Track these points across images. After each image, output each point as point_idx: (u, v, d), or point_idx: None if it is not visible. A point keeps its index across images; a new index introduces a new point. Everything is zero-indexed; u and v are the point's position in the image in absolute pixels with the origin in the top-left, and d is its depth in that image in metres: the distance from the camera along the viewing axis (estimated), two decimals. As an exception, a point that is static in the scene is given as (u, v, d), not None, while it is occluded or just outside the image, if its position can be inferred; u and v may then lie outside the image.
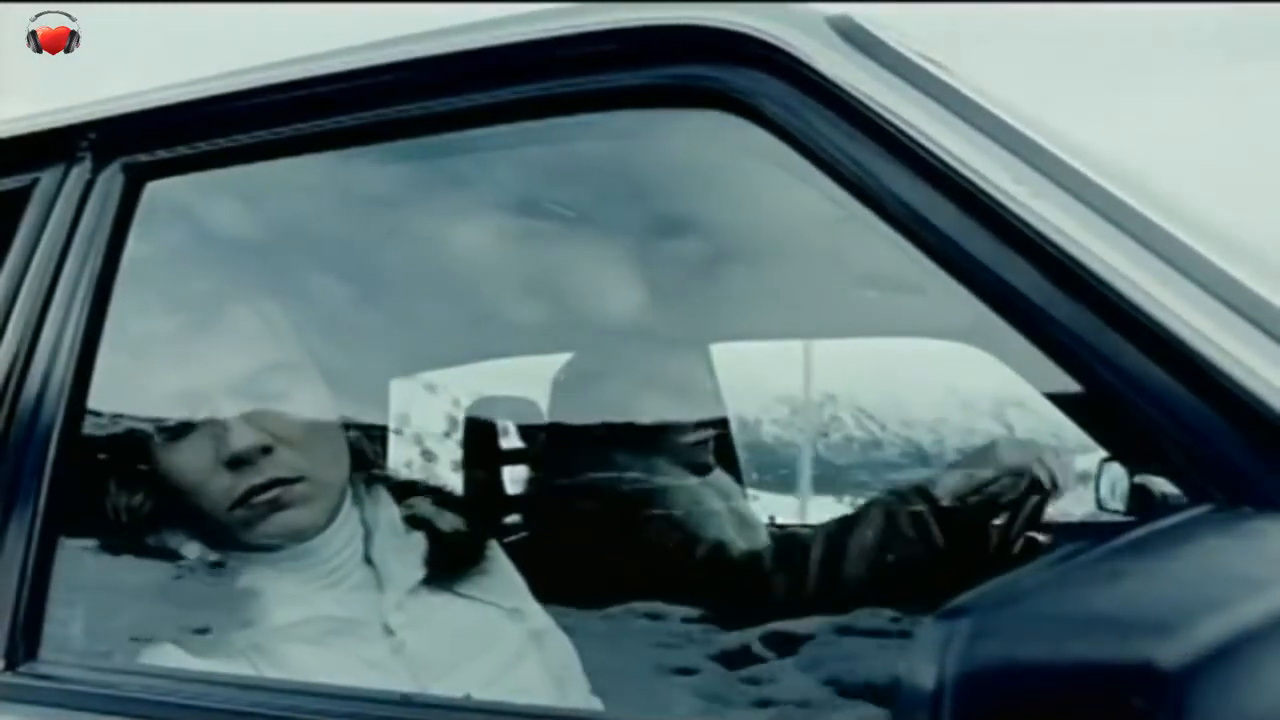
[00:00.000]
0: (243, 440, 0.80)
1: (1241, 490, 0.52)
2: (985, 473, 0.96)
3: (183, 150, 0.85)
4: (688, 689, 0.79)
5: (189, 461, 0.81)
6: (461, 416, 1.49)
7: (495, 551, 0.92)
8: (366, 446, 0.94)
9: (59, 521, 0.78)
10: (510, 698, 0.78)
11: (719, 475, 1.32)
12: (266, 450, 0.80)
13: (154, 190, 0.88)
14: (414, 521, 0.90)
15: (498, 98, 0.73)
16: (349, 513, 0.86)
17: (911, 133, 0.60)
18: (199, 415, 0.82)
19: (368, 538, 0.86)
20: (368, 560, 0.85)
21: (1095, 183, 0.58)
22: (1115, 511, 1.12)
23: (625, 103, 0.72)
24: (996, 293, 0.57)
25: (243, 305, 0.91)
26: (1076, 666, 0.46)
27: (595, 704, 0.85)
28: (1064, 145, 0.60)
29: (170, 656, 0.76)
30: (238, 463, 0.80)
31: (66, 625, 0.78)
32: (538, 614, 0.88)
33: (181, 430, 0.82)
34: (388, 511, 0.89)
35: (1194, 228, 0.57)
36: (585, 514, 1.08)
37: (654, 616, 0.84)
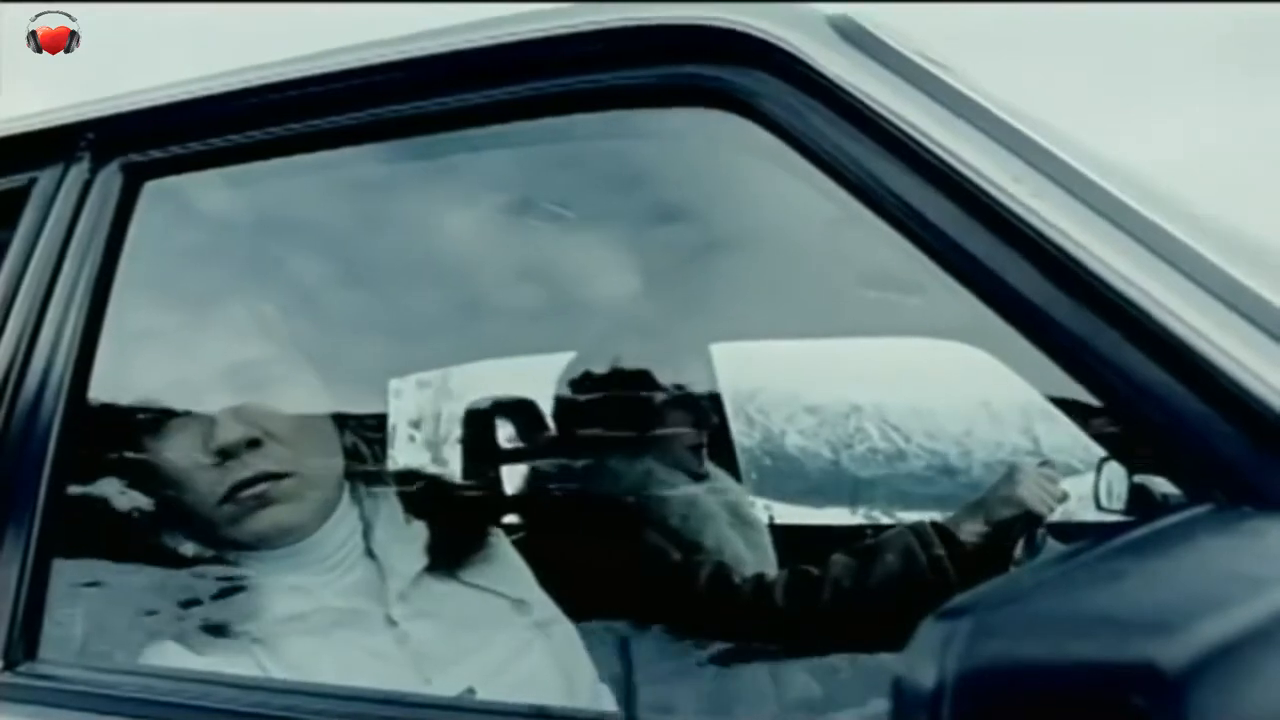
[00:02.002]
0: (230, 433, 0.80)
1: (1241, 490, 0.52)
2: (984, 521, 0.97)
3: (181, 150, 0.85)
4: (691, 684, 0.79)
5: (180, 456, 0.82)
6: (461, 412, 1.50)
7: (500, 542, 0.92)
8: (365, 442, 0.94)
9: (59, 521, 0.78)
10: (516, 688, 0.78)
11: (718, 473, 1.33)
12: (254, 443, 0.80)
13: (152, 190, 0.88)
14: (415, 515, 0.90)
15: (496, 98, 0.73)
16: (348, 508, 0.86)
17: (911, 132, 0.60)
18: (190, 410, 0.82)
19: (368, 532, 0.86)
20: (369, 554, 0.85)
21: (1095, 182, 0.58)
22: (1115, 512, 1.12)
23: (625, 102, 0.72)
24: (996, 293, 0.57)
25: (237, 302, 0.91)
26: (1076, 666, 0.46)
27: (602, 692, 0.85)
28: (1063, 144, 0.60)
29: (171, 654, 0.76)
30: (224, 455, 0.80)
31: (66, 625, 0.78)
32: (543, 604, 0.88)
33: (173, 425, 0.83)
34: (388, 505, 0.89)
35: (1194, 227, 0.57)
36: (585, 510, 1.08)
37: (656, 612, 0.84)
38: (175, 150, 0.86)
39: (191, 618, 0.80)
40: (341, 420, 0.92)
